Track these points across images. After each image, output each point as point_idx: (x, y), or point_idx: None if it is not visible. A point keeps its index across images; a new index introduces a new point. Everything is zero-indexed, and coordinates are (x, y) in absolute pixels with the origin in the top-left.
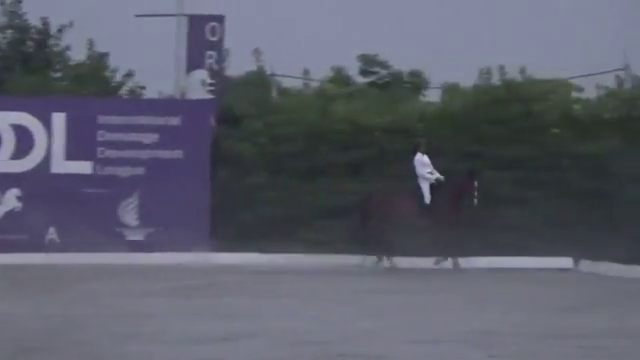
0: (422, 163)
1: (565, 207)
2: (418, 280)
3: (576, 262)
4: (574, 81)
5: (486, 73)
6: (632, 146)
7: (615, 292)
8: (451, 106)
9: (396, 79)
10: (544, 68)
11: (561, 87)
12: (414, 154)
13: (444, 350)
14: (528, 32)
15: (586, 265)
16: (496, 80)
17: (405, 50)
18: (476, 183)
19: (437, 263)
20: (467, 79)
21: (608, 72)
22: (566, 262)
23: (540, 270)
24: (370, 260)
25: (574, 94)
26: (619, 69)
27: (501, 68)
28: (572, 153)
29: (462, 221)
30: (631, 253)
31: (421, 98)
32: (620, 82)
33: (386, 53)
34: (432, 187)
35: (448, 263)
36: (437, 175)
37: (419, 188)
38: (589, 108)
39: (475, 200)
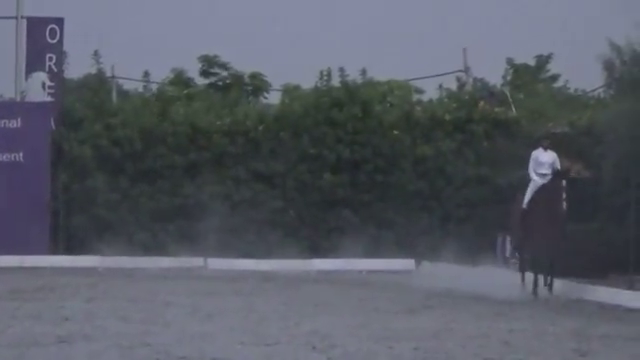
0: (536, 161)
1: (405, 208)
2: (254, 283)
3: (417, 263)
4: (414, 82)
5: (326, 75)
6: (471, 148)
7: (448, 293)
8: (291, 108)
9: (237, 81)
10: (385, 69)
11: (401, 89)
12: (534, 148)
13: (283, 352)
14: (369, 33)
15: (426, 266)
16: (336, 82)
17: (246, 51)
18: (564, 183)
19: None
20: (307, 81)
21: (449, 74)
22: (405, 264)
23: (378, 272)
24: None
25: (415, 95)
26: (460, 70)
27: (341, 70)
28: (411, 155)
29: (556, 234)
30: (467, 254)
31: (262, 100)
32: (461, 84)
33: (227, 54)
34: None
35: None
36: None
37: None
38: (429, 110)
39: (564, 204)
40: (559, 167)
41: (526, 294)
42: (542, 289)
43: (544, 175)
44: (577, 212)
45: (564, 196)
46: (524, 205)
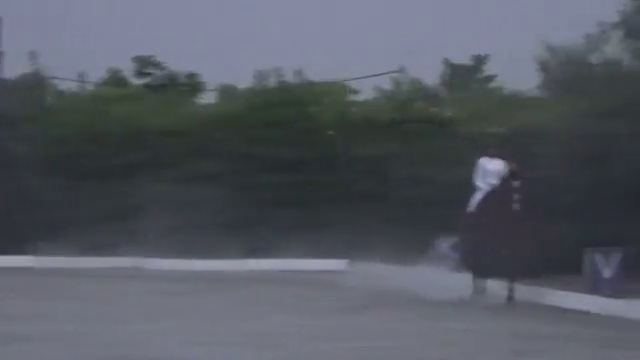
0: (483, 169)
1: (341, 209)
2: (197, 283)
3: (352, 264)
4: (350, 83)
5: (262, 75)
6: (407, 148)
7: (385, 293)
8: (227, 109)
9: (172, 81)
10: (321, 70)
11: (337, 89)
12: (481, 156)
13: (226, 352)
14: (304, 33)
15: (360, 266)
16: (272, 82)
17: (181, 51)
18: (517, 183)
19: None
20: (243, 81)
21: (384, 74)
22: (342, 264)
23: (316, 272)
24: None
25: (350, 96)
26: (395, 71)
27: (277, 70)
28: (347, 155)
29: (509, 237)
30: (406, 254)
31: (197, 100)
32: (396, 84)
33: (163, 55)
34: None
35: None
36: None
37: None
38: (365, 110)
39: (515, 205)
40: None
41: (467, 295)
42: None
43: (493, 184)
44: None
45: (516, 197)
46: (471, 208)
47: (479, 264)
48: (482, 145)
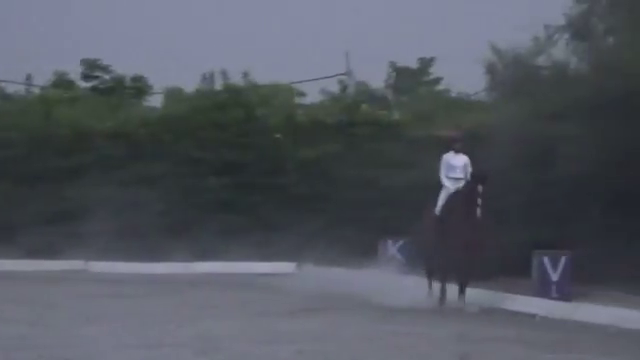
0: (447, 165)
1: (289, 211)
2: (138, 286)
3: (299, 266)
4: (297, 85)
5: (209, 77)
6: (354, 150)
7: (331, 296)
8: (173, 111)
9: (118, 84)
10: (267, 72)
11: (283, 92)
12: (446, 151)
13: (166, 355)
14: (251, 35)
15: (308, 269)
16: (219, 84)
17: (128, 54)
18: (480, 188)
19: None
20: (190, 84)
21: (331, 77)
22: (288, 267)
23: (262, 275)
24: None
25: (297, 99)
26: (342, 74)
27: (224, 72)
28: (294, 158)
29: (472, 241)
30: (352, 256)
31: (143, 103)
32: (343, 87)
33: (109, 57)
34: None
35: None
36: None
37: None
38: (312, 113)
39: (478, 210)
40: (471, 170)
41: (417, 298)
42: (439, 296)
43: (457, 180)
44: None
45: (479, 202)
46: (436, 211)
47: (438, 268)
48: (449, 139)
